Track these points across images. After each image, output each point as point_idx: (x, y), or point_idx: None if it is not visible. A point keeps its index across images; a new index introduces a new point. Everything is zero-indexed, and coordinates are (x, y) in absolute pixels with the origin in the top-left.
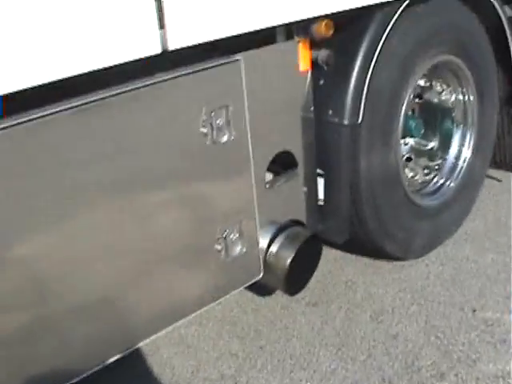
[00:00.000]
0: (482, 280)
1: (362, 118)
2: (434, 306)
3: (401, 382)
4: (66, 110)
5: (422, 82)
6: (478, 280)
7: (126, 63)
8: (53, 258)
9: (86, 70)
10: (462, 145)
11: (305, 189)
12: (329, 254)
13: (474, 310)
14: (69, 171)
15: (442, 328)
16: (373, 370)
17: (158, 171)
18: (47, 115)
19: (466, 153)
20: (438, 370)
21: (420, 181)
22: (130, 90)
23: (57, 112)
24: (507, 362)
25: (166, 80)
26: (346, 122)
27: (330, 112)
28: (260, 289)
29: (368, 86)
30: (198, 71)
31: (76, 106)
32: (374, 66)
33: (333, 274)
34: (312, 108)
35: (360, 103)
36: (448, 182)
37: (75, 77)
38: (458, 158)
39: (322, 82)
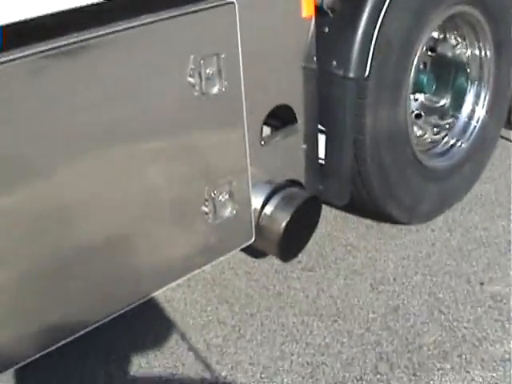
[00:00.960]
0: (491, 250)
1: (370, 70)
2: (438, 276)
3: (399, 361)
4: (48, 50)
5: (435, 34)
6: (487, 250)
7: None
8: (35, 204)
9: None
10: (475, 103)
11: (304, 146)
12: (329, 215)
13: (482, 283)
14: (50, 116)
15: (447, 302)
16: (370, 346)
17: (140, 123)
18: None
19: (480, 112)
20: (441, 349)
21: (429, 140)
22: (108, 33)
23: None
24: None
25: (149, 23)
26: (351, 74)
27: (335, 63)
28: (254, 250)
29: (377, 36)
30: (186, 14)
31: (53, 48)
32: (385, 14)
33: (332, 237)
34: (315, 58)
35: (368, 55)
36: (459, 143)
37: (57, 15)
38: (470, 117)
39: (326, 29)
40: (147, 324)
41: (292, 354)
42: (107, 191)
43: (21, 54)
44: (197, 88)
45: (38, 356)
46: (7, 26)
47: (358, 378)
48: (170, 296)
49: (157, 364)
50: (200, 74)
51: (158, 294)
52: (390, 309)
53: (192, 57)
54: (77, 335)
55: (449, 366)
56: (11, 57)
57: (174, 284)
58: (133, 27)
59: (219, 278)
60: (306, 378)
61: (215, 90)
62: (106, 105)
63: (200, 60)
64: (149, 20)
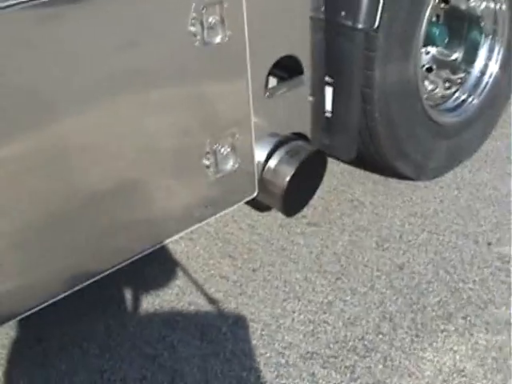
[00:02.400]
0: (500, 209)
1: (379, 21)
2: (445, 235)
3: (403, 321)
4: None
5: None
6: (496, 209)
7: None
8: (37, 151)
9: None
10: (488, 58)
11: (311, 98)
12: (335, 169)
13: (489, 244)
14: (54, 63)
15: (453, 261)
16: (373, 305)
17: (140, 72)
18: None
19: (493, 67)
20: (445, 310)
21: (440, 95)
22: None
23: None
24: None
25: None
26: (360, 25)
27: (343, 13)
28: (258, 204)
29: None
30: None
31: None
32: None
33: (338, 191)
34: (323, 8)
35: (377, 5)
36: (470, 98)
37: None
38: (483, 72)
39: None
40: (147, 278)
41: (294, 312)
42: (107, 141)
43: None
44: (198, 37)
45: (35, 310)
46: None
47: (359, 337)
48: (171, 249)
49: (156, 319)
50: (202, 23)
51: (160, 247)
52: (394, 267)
53: (193, 5)
54: (75, 289)
55: (452, 328)
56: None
57: (176, 237)
58: None
59: (222, 231)
60: (307, 336)
61: (217, 39)
62: (108, 54)
63: (202, 8)
64: None
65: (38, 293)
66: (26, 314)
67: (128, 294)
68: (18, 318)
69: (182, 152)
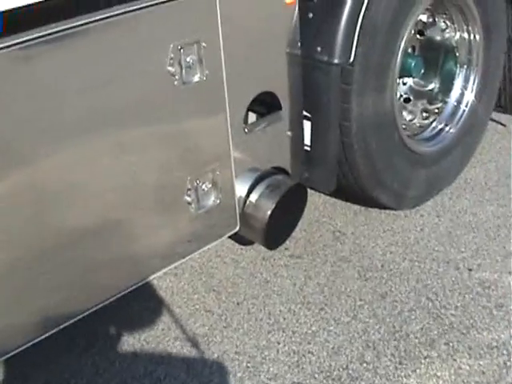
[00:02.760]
0: (480, 235)
1: (355, 56)
2: (427, 262)
3: (386, 349)
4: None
5: (424, 18)
6: (476, 235)
7: None
8: (16, 191)
9: None
10: (464, 87)
11: (289, 133)
12: (317, 200)
13: (470, 270)
14: (35, 102)
15: (435, 288)
16: (357, 334)
17: (120, 112)
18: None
19: (469, 96)
20: (428, 336)
21: (418, 125)
22: (87, 23)
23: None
24: (503, 330)
25: (128, 11)
26: (336, 60)
27: (319, 49)
28: (240, 238)
29: (362, 20)
30: (165, 2)
31: (25, 41)
32: None
33: (320, 223)
34: (299, 44)
35: (352, 40)
36: (448, 127)
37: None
38: (459, 101)
39: (310, 15)
40: (133, 313)
41: (278, 343)
42: (88, 180)
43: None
44: (177, 77)
45: (21, 348)
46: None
47: (344, 366)
48: (156, 285)
49: (142, 354)
50: (180, 63)
51: (145, 283)
52: (377, 296)
53: (171, 45)
54: (61, 326)
55: (435, 354)
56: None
57: (160, 273)
58: (112, 16)
59: (206, 266)
60: (292, 367)
61: (196, 78)
62: (87, 94)
63: (179, 48)
64: (128, 9)
65: (23, 332)
66: (12, 353)
67: (114, 330)
68: (4, 357)
69: (163, 189)
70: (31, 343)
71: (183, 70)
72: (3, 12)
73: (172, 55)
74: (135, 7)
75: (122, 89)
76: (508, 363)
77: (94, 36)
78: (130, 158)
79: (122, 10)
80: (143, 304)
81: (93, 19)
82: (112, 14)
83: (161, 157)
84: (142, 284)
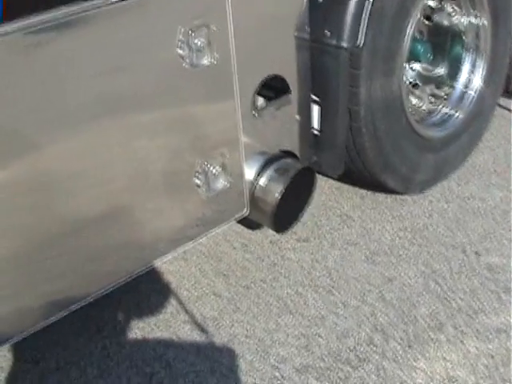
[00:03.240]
0: (487, 220)
1: (363, 40)
2: (435, 247)
3: (395, 333)
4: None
5: (431, 3)
6: (484, 220)
7: None
8: (28, 176)
9: None
10: (472, 72)
11: (298, 117)
12: (324, 185)
13: (478, 254)
14: (43, 88)
15: (443, 273)
16: (365, 318)
17: (129, 95)
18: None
19: (477, 81)
20: (436, 320)
21: (426, 110)
22: (96, 7)
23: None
24: (511, 314)
25: None
26: (345, 44)
27: (328, 33)
28: (249, 222)
29: (371, 4)
30: None
31: (41, 22)
32: None
33: (327, 207)
34: (307, 28)
35: (361, 24)
36: (456, 112)
37: None
38: (467, 86)
39: None
40: (142, 297)
41: (287, 326)
42: (98, 163)
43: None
44: (187, 60)
45: (32, 332)
46: None
47: (352, 349)
48: (165, 269)
49: (152, 337)
50: (189, 46)
51: (153, 267)
52: (385, 280)
53: (181, 28)
54: (70, 310)
55: (444, 338)
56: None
57: (169, 257)
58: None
59: (214, 250)
60: (300, 349)
61: (205, 61)
62: (96, 77)
63: (189, 31)
64: None
65: (33, 315)
66: (22, 336)
67: (123, 314)
68: (14, 340)
69: (173, 172)
70: (41, 327)
71: (193, 53)
72: None
73: (182, 38)
74: None
75: (131, 72)
76: None
77: (103, 20)
78: (139, 141)
79: None
80: (152, 287)
81: (102, 2)
82: None
83: (170, 140)
84: (150, 268)
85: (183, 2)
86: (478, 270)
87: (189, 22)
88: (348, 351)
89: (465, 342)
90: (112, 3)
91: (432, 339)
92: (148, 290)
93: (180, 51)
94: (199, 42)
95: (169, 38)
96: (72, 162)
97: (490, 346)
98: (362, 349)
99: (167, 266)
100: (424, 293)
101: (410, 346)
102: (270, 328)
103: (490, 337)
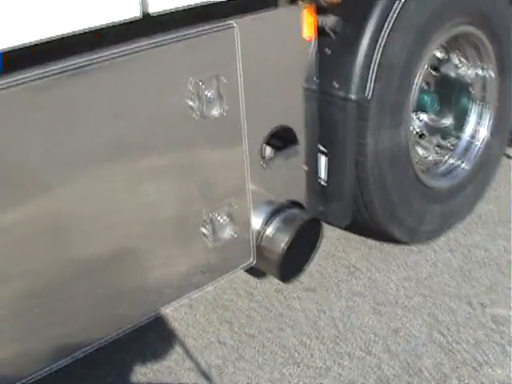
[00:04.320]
0: (492, 271)
1: (371, 92)
2: (439, 298)
3: None
4: (49, 74)
5: (439, 54)
6: (489, 271)
7: (108, 28)
8: (36, 220)
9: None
10: (478, 123)
11: (305, 167)
12: (331, 235)
13: (483, 305)
14: (52, 137)
15: (447, 324)
16: (370, 369)
17: (140, 144)
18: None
19: (483, 132)
20: (440, 371)
21: (432, 160)
22: (109, 57)
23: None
24: None
25: (150, 47)
26: (353, 96)
27: (336, 85)
28: (255, 270)
29: (379, 57)
30: (187, 37)
31: (54, 73)
32: (387, 35)
33: (334, 257)
34: (316, 80)
35: (369, 76)
36: (462, 163)
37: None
38: (473, 137)
39: (327, 51)
40: (148, 344)
41: (292, 377)
42: (107, 210)
43: (20, 78)
44: (196, 111)
45: (38, 376)
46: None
47: None
48: (171, 316)
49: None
50: (200, 97)
51: (160, 315)
52: (390, 331)
53: (192, 79)
54: (77, 356)
55: None
56: (11, 80)
57: (175, 304)
58: (134, 51)
59: (221, 298)
60: None
61: (215, 112)
62: (107, 126)
63: (200, 83)
64: (150, 43)
65: (39, 360)
66: (27, 380)
67: (129, 360)
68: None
69: (180, 221)
70: (48, 371)
71: (203, 104)
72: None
73: (192, 89)
74: (157, 41)
75: (141, 121)
76: None
77: (114, 70)
78: (148, 189)
79: (144, 44)
80: (158, 334)
81: (114, 53)
82: (134, 48)
83: (179, 189)
84: (157, 315)
85: (194, 54)
86: (482, 322)
87: (199, 74)
88: None
89: None
90: (124, 54)
91: None
92: (154, 337)
93: (190, 102)
94: (209, 94)
95: (179, 89)
96: (80, 208)
97: None
98: None
99: (173, 313)
100: (429, 344)
101: None
102: (275, 378)
103: None
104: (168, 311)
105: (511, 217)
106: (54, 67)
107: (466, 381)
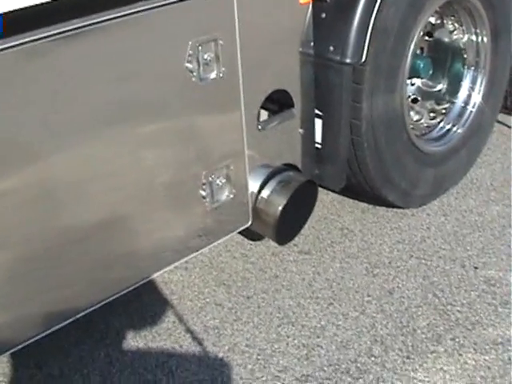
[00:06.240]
0: (485, 235)
1: (366, 56)
2: (433, 260)
3: (394, 344)
4: (48, 36)
5: (432, 20)
6: (482, 234)
7: None
8: (31, 186)
9: None
10: (472, 89)
11: (301, 131)
12: (325, 198)
13: (476, 268)
14: (48, 101)
15: (441, 285)
16: (365, 329)
17: (137, 107)
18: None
19: (476, 97)
20: (434, 332)
21: (425, 125)
22: (106, 20)
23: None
24: (508, 327)
25: (147, 9)
26: (348, 60)
27: (332, 49)
28: (250, 233)
29: (374, 21)
30: (184, 0)
31: (52, 35)
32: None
33: (328, 220)
34: (312, 44)
35: (365, 40)
36: (455, 128)
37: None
38: (467, 102)
39: (323, 15)
40: (144, 306)
41: (288, 337)
42: (105, 174)
43: (20, 41)
44: (194, 73)
45: (35, 339)
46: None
47: (352, 360)
48: (167, 278)
49: (154, 346)
50: (198, 60)
51: (156, 277)
52: (384, 292)
53: (190, 43)
54: (74, 318)
55: (442, 349)
56: (11, 44)
57: (171, 267)
58: (131, 13)
59: (216, 260)
60: (301, 359)
61: (213, 75)
62: (106, 90)
63: (198, 46)
64: (147, 6)
65: (37, 323)
66: (26, 343)
67: (126, 322)
68: (18, 347)
69: (179, 184)
70: (45, 334)
71: (201, 67)
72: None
73: (190, 52)
74: (155, 5)
75: (139, 85)
76: None
77: (113, 33)
78: (146, 152)
79: (142, 8)
80: (154, 297)
81: (112, 16)
82: (131, 11)
83: (176, 152)
84: (153, 277)
85: (192, 17)
86: (475, 284)
87: (198, 37)
88: (348, 362)
89: (462, 353)
90: (122, 16)
91: (430, 351)
92: (151, 299)
93: (189, 65)
94: (207, 56)
95: (178, 52)
96: (78, 171)
97: (487, 358)
98: (362, 360)
99: (169, 275)
100: (422, 305)
101: (408, 358)
102: (271, 338)
103: (488, 349)
104: (164, 274)
105: (505, 182)
106: (52, 31)
107: (460, 340)
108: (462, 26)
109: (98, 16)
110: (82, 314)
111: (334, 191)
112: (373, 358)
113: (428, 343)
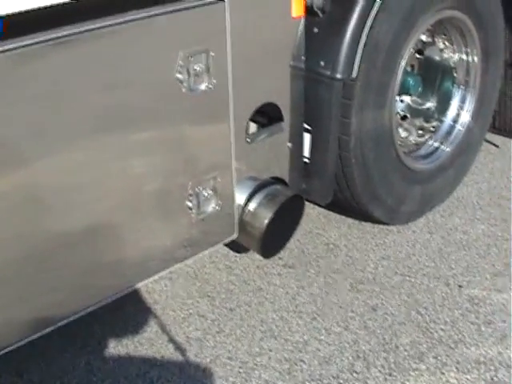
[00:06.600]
0: (470, 253)
1: (357, 72)
2: (417, 277)
3: (376, 361)
4: (41, 42)
5: (424, 37)
6: (467, 253)
7: None
8: (18, 191)
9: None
10: (461, 107)
11: (289, 144)
12: (311, 212)
13: (460, 286)
14: (40, 105)
15: (425, 303)
16: (347, 345)
17: (127, 116)
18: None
19: (465, 116)
20: (417, 349)
21: (413, 142)
22: (99, 28)
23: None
24: (491, 347)
25: (140, 18)
26: (338, 75)
27: (323, 64)
28: (236, 245)
29: (365, 37)
30: (176, 11)
31: (44, 41)
32: (374, 16)
33: (313, 234)
34: (303, 58)
35: (355, 56)
36: (443, 146)
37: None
38: (455, 121)
39: (315, 30)
40: (127, 315)
41: (270, 350)
42: (92, 182)
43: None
44: (185, 84)
45: (17, 345)
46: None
47: (334, 375)
48: (151, 288)
49: (136, 355)
50: (188, 71)
51: (140, 286)
52: (368, 308)
53: (181, 53)
54: (56, 325)
55: (424, 367)
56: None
57: (156, 276)
58: (124, 22)
59: (200, 271)
60: (283, 374)
61: (203, 86)
62: (94, 97)
63: (189, 57)
64: (140, 16)
65: (19, 329)
66: (7, 350)
67: (108, 331)
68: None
69: (166, 194)
70: (27, 341)
71: (191, 78)
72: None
73: (181, 63)
74: (147, 14)
75: (129, 93)
76: (495, 378)
77: (105, 41)
78: (134, 161)
79: (134, 17)
80: (138, 306)
81: (104, 25)
82: (124, 20)
83: (164, 162)
84: (137, 287)
85: (184, 28)
86: (459, 302)
87: (189, 47)
88: (330, 378)
89: (445, 372)
90: (114, 25)
91: (412, 368)
92: (134, 309)
93: (179, 75)
94: (198, 67)
95: (169, 62)
96: (65, 178)
97: (469, 377)
98: (344, 376)
99: (153, 285)
100: (406, 322)
101: (390, 375)
102: (253, 351)
103: (470, 368)
104: (148, 283)
105: (490, 201)
106: (43, 37)
107: (442, 359)
108: (452, 44)
109: (90, 24)
110: (65, 321)
111: (320, 205)
112: (355, 374)
113: (410, 361)
